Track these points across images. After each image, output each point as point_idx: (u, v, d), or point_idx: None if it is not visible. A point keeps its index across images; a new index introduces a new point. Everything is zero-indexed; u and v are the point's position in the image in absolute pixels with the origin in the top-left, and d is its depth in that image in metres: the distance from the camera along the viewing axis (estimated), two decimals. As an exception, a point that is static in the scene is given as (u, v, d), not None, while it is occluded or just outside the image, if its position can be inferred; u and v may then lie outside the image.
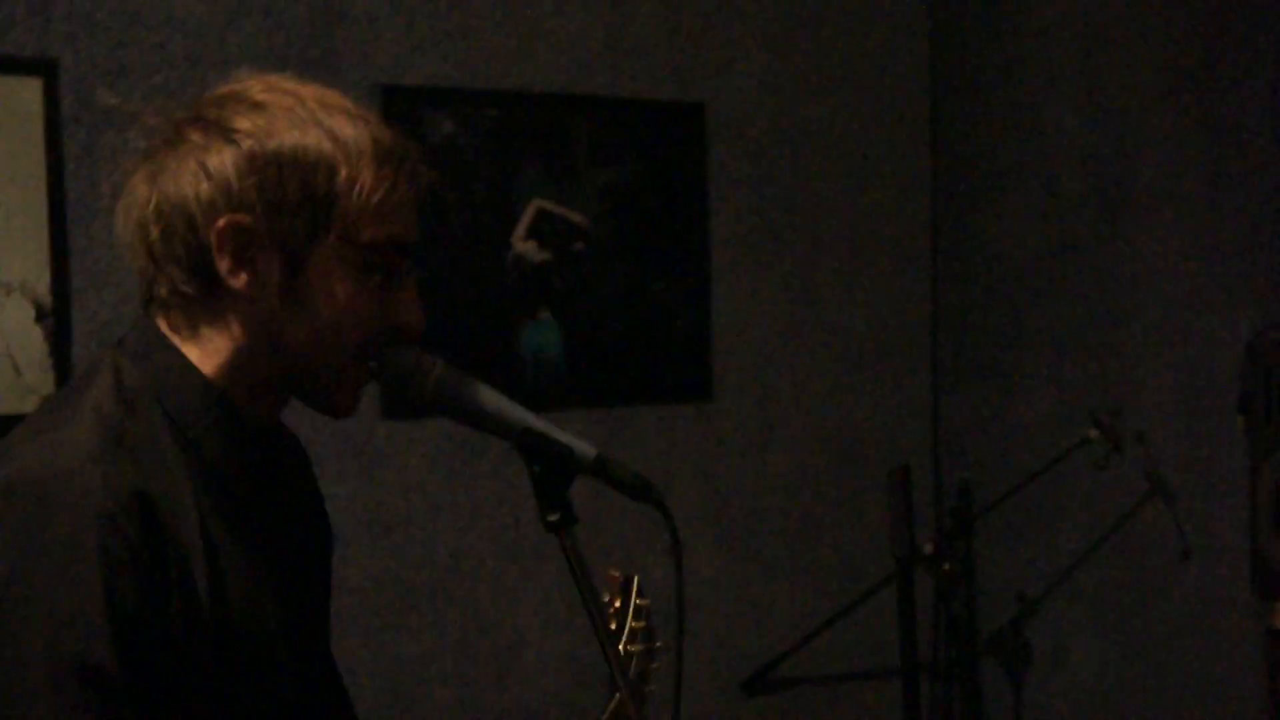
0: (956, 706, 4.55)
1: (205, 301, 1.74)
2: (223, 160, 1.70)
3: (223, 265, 1.71)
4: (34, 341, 3.39)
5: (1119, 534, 4.33)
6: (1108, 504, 4.34)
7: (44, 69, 3.39)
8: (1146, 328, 4.29)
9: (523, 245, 4.07)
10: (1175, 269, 4.23)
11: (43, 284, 3.40)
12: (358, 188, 1.73)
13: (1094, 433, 4.11)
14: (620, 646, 2.06)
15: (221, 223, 1.70)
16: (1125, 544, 4.33)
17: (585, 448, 1.77)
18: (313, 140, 1.72)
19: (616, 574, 2.14)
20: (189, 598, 1.66)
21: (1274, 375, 3.56)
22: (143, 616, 1.61)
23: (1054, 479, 4.23)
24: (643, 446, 4.22)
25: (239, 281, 1.72)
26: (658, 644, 2.14)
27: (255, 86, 1.75)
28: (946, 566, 4.25)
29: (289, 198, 1.70)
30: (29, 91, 3.37)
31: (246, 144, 1.70)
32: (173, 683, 1.64)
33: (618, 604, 2.12)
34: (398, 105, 3.81)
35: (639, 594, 2.13)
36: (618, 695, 2.01)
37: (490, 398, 1.79)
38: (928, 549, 4.09)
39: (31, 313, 3.39)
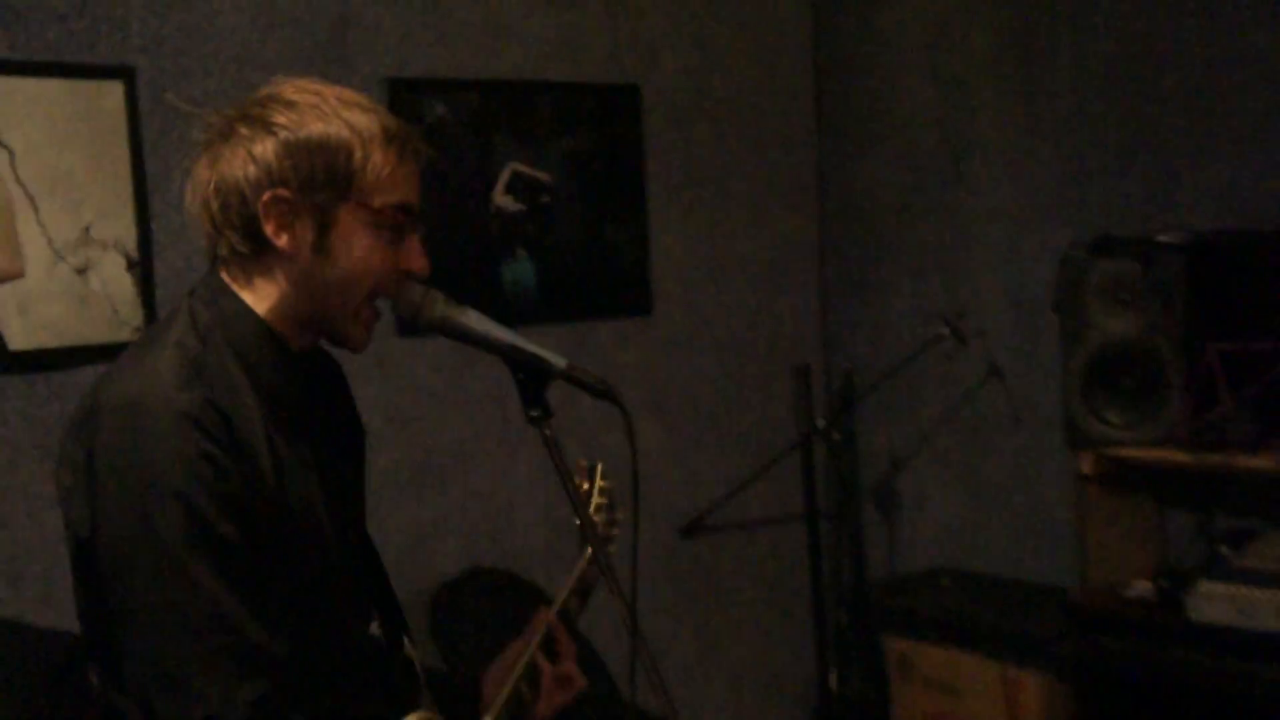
0: (844, 543, 4.60)
1: (257, 258, 1.74)
2: (265, 148, 1.69)
3: (268, 229, 1.71)
4: (126, 286, 3.36)
5: (965, 407, 4.37)
6: (956, 384, 4.38)
7: (124, 75, 3.35)
8: (983, 248, 4.31)
9: (501, 200, 4.05)
10: (1004, 203, 4.24)
11: (131, 241, 3.37)
12: (370, 164, 1.72)
13: (944, 330, 4.14)
14: (589, 515, 2.08)
15: (266, 196, 1.69)
16: (970, 414, 4.37)
17: (557, 359, 1.77)
18: (334, 129, 1.71)
19: (584, 462, 2.14)
20: (259, 487, 1.67)
21: (1079, 282, 3.58)
22: (235, 497, 1.62)
23: (915, 367, 4.27)
24: (599, 352, 4.22)
25: (281, 242, 1.72)
26: (618, 514, 2.16)
27: (288, 89, 1.75)
28: (835, 436, 4.29)
29: (317, 175, 1.70)
30: (113, 93, 3.33)
31: (283, 134, 1.70)
32: (257, 546, 1.65)
33: (586, 485, 2.13)
34: (400, 94, 3.77)
35: (603, 477, 2.14)
36: (588, 550, 2.02)
37: (482, 322, 1.79)
38: (821, 423, 4.12)
39: (123, 263, 3.36)
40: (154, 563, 1.59)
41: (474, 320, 1.78)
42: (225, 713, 1.56)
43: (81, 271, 3.31)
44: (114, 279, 3.35)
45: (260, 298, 1.75)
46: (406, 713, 1.85)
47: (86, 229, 3.31)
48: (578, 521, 1.80)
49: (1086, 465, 3.60)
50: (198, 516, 1.59)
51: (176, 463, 1.59)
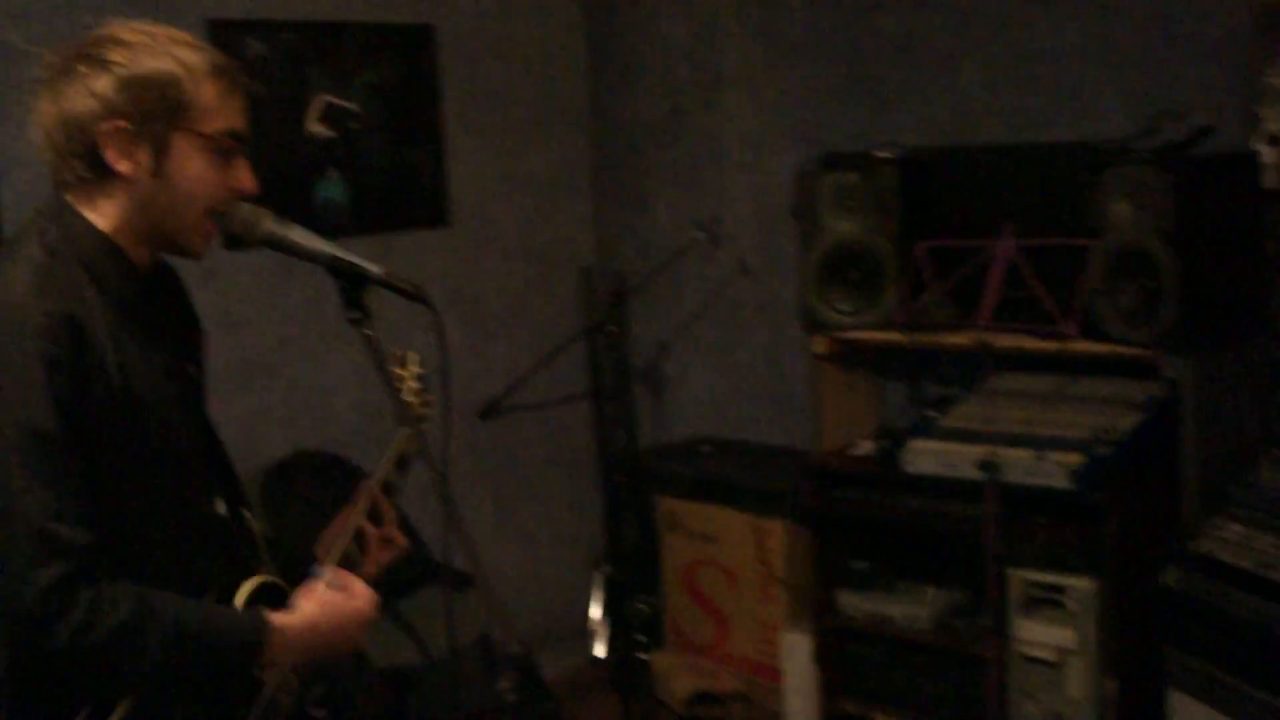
0: (620, 418, 4.68)
1: (99, 182, 1.69)
2: (103, 84, 1.64)
3: (109, 157, 1.66)
4: (-29, 211, 3.21)
5: (719, 300, 4.46)
6: (711, 281, 4.45)
7: (-41, 16, 3.17)
8: (733, 163, 4.38)
9: (314, 127, 3.95)
10: (750, 125, 4.31)
11: (-27, 170, 3.21)
12: (200, 95, 1.68)
13: (701, 235, 4.21)
14: (405, 399, 2.08)
15: (106, 127, 1.64)
16: (723, 306, 4.46)
17: (374, 267, 1.77)
18: (165, 65, 1.66)
19: (400, 353, 2.14)
20: (106, 385, 1.63)
21: (813, 192, 3.67)
22: (75, 398, 1.58)
23: (677, 266, 4.34)
24: (404, 260, 4.17)
25: (122, 167, 1.67)
26: (429, 396, 2.16)
27: (122, 30, 1.69)
28: (611, 328, 4.34)
29: (152, 106, 1.65)
30: (-50, 34, 3.14)
31: (119, 71, 1.65)
32: (98, 442, 1.62)
33: (402, 371, 2.13)
34: (220, 33, 3.63)
35: (417, 365, 2.14)
36: (403, 430, 2.03)
37: (306, 236, 1.78)
38: (599, 317, 4.16)
39: (-33, 191, 3.21)
40: None
41: (299, 234, 1.77)
42: (21, 594, 1.54)
43: (-72, 199, 3.15)
44: (-41, 204, 3.19)
45: (104, 216, 1.70)
46: (250, 577, 1.85)
47: (-69, 160, 3.14)
48: (397, 402, 1.81)
49: (820, 346, 3.72)
50: (26, 416, 1.54)
51: (16, 367, 1.55)
